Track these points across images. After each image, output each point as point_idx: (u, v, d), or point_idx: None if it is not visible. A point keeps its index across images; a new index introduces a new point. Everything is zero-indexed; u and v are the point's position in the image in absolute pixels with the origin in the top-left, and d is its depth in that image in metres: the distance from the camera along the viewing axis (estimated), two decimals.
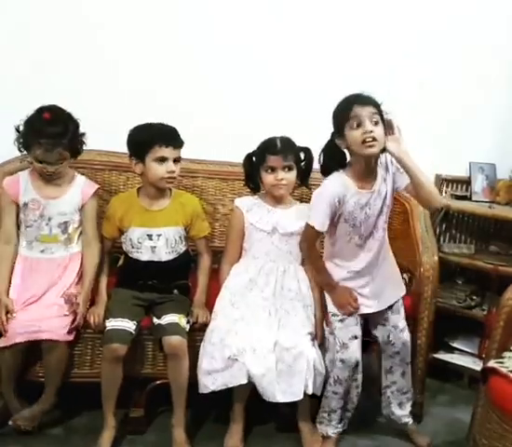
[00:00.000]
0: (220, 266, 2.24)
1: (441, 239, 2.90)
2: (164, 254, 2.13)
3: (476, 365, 2.53)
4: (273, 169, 2.08)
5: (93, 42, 2.48)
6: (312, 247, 2.09)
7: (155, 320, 2.04)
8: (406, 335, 2.13)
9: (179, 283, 2.16)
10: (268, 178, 2.10)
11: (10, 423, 2.01)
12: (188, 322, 2.05)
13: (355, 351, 2.03)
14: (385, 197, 2.02)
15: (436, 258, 2.30)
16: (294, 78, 2.64)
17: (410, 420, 2.19)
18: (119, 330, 1.96)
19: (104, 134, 2.39)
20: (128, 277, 2.15)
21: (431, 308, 2.26)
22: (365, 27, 2.67)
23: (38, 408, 2.04)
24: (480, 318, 2.65)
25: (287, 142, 2.11)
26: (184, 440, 2.02)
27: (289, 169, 2.10)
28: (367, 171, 1.98)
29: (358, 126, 1.86)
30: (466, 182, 2.90)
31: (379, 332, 2.13)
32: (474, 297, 2.76)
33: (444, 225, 2.91)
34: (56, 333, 1.95)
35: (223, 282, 2.17)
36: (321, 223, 1.98)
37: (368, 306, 2.08)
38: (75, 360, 2.06)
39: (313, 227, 2.00)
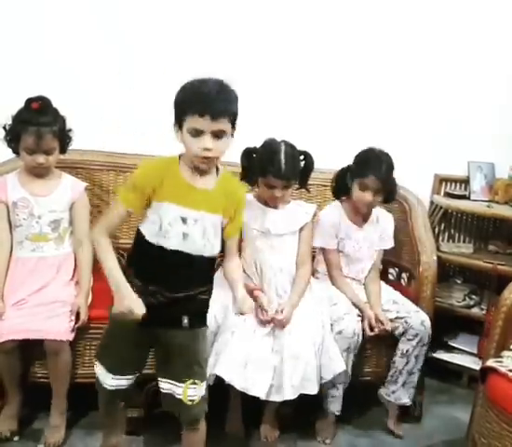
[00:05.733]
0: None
1: (440, 239, 2.90)
2: (199, 246, 1.62)
3: (475, 364, 2.54)
4: (272, 187, 2.05)
5: (90, 43, 2.48)
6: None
7: (161, 382, 1.75)
8: (422, 315, 2.17)
9: (196, 303, 1.67)
10: (266, 193, 2.08)
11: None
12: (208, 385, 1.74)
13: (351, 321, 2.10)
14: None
15: (434, 257, 2.31)
16: (295, 81, 2.64)
17: (407, 401, 2.19)
18: (118, 391, 1.76)
19: (103, 135, 2.40)
20: (140, 271, 1.64)
21: (430, 308, 2.27)
22: (365, 27, 2.67)
23: (59, 419, 2.02)
24: (479, 317, 2.66)
25: (291, 165, 2.02)
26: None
27: (289, 186, 2.07)
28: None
29: (364, 190, 2.18)
30: (465, 182, 2.90)
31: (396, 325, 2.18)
32: (473, 296, 2.77)
33: (443, 225, 2.92)
34: (54, 333, 1.92)
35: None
36: None
37: None
38: (75, 361, 2.04)
39: None
